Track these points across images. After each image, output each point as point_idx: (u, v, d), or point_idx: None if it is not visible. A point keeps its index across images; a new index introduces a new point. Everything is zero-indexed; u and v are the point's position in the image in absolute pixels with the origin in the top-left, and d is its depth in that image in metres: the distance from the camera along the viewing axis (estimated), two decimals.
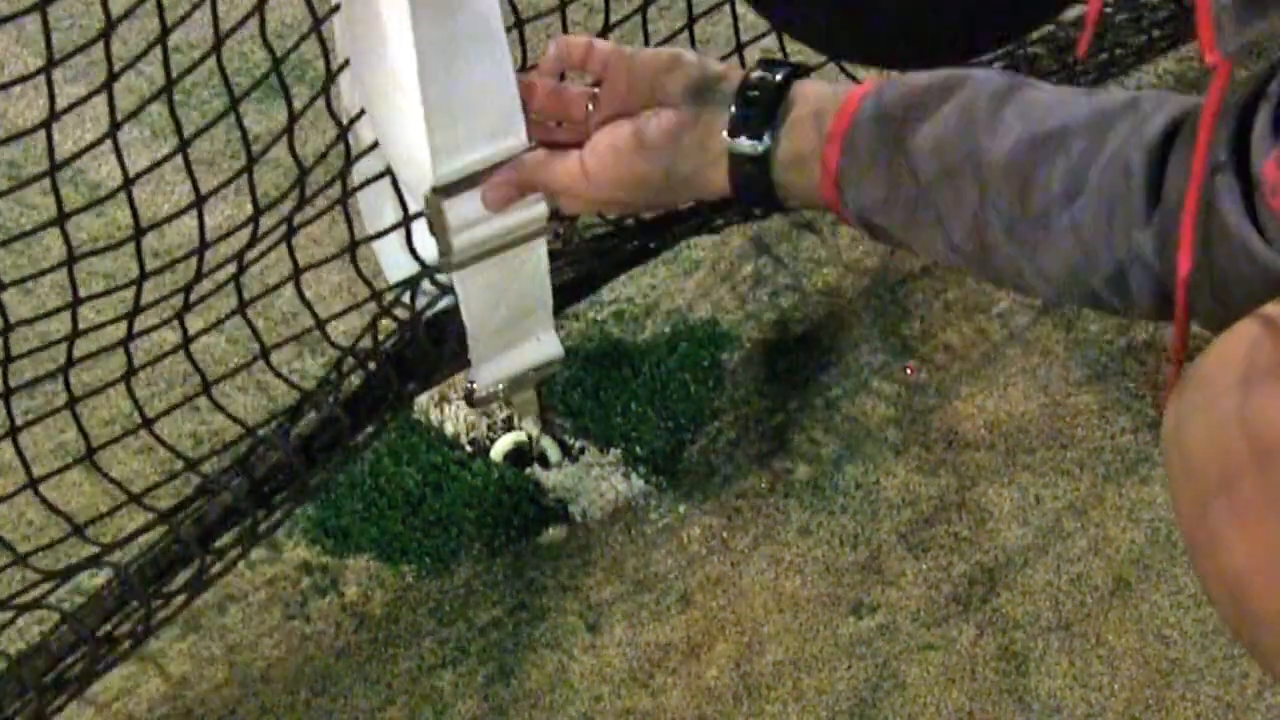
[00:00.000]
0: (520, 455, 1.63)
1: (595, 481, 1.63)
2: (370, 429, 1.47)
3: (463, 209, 1.13)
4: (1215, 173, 0.75)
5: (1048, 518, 1.57)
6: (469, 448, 1.64)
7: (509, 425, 1.64)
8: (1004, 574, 1.54)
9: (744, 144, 0.97)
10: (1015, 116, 0.87)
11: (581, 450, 1.65)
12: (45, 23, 1.01)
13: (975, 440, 1.63)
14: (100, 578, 1.46)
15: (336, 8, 1.21)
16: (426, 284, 1.40)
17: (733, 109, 0.98)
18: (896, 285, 1.76)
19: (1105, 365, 1.67)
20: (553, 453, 1.64)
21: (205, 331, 1.34)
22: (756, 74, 0.99)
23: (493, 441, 1.63)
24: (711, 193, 1.01)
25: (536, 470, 1.63)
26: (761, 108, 0.97)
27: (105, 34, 1.03)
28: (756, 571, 1.55)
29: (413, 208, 1.28)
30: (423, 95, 1.08)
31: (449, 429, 1.65)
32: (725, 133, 0.98)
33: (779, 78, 0.98)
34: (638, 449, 1.64)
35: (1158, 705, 1.45)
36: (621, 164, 1.02)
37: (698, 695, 1.48)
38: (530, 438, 1.63)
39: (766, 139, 0.97)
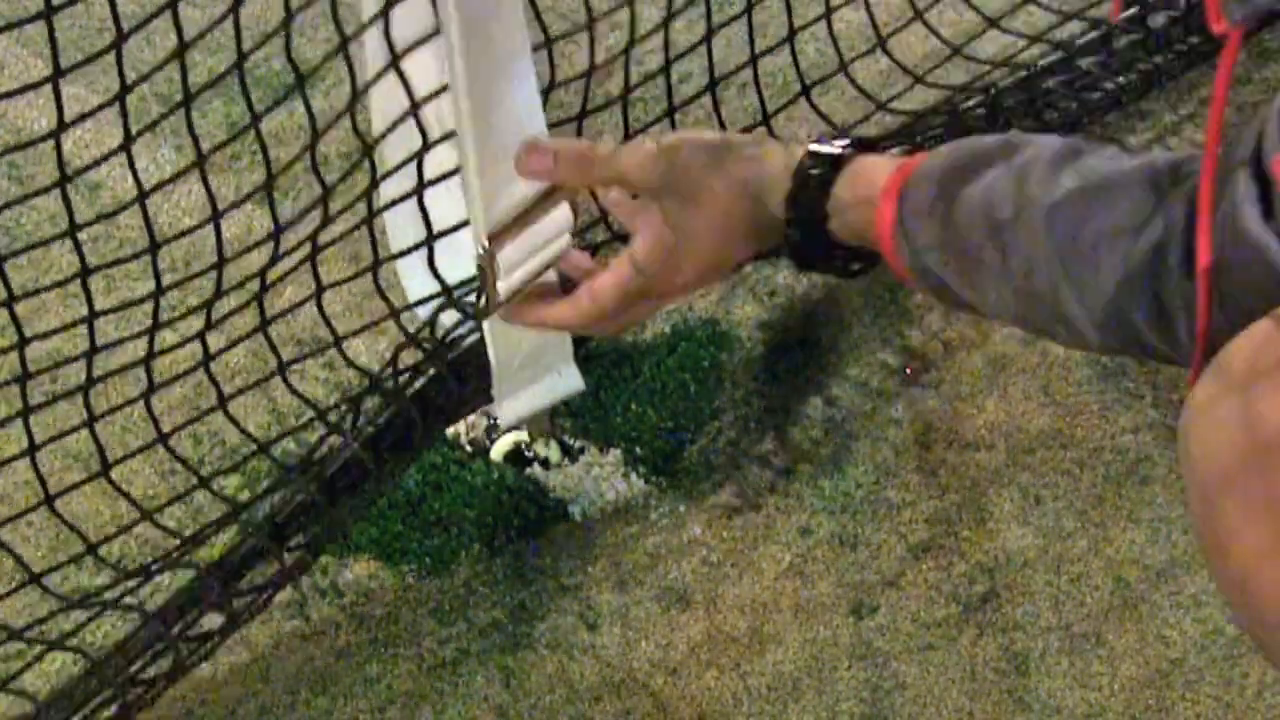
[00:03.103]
0: (520, 455, 1.63)
1: (595, 481, 1.63)
2: (396, 468, 1.47)
3: (506, 256, 1.11)
4: (1236, 170, 0.75)
5: (1048, 518, 1.57)
6: (469, 448, 1.64)
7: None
8: (1004, 574, 1.54)
9: (824, 146, 0.97)
10: (1071, 173, 0.88)
11: (581, 450, 1.65)
12: (51, 32, 1.00)
13: (976, 440, 1.63)
14: (128, 619, 1.45)
15: (366, 26, 1.20)
16: (444, 317, 1.39)
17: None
18: (897, 285, 1.76)
19: (1105, 365, 1.67)
20: (553, 453, 1.64)
21: (225, 350, 1.32)
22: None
23: (493, 441, 1.64)
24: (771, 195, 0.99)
25: (536, 470, 1.63)
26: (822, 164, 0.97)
27: (116, 45, 1.03)
28: (757, 571, 1.55)
29: (438, 225, 1.27)
30: (472, 130, 1.05)
31: (449, 429, 1.64)
32: (807, 145, 0.97)
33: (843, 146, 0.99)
34: (638, 449, 1.63)
35: (1158, 705, 1.45)
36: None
37: (698, 695, 1.48)
38: (531, 438, 1.63)
39: (846, 149, 0.97)
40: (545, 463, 1.63)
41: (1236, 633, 1.47)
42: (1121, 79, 1.78)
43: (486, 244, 1.06)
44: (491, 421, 1.64)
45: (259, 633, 1.53)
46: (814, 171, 0.97)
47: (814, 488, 1.61)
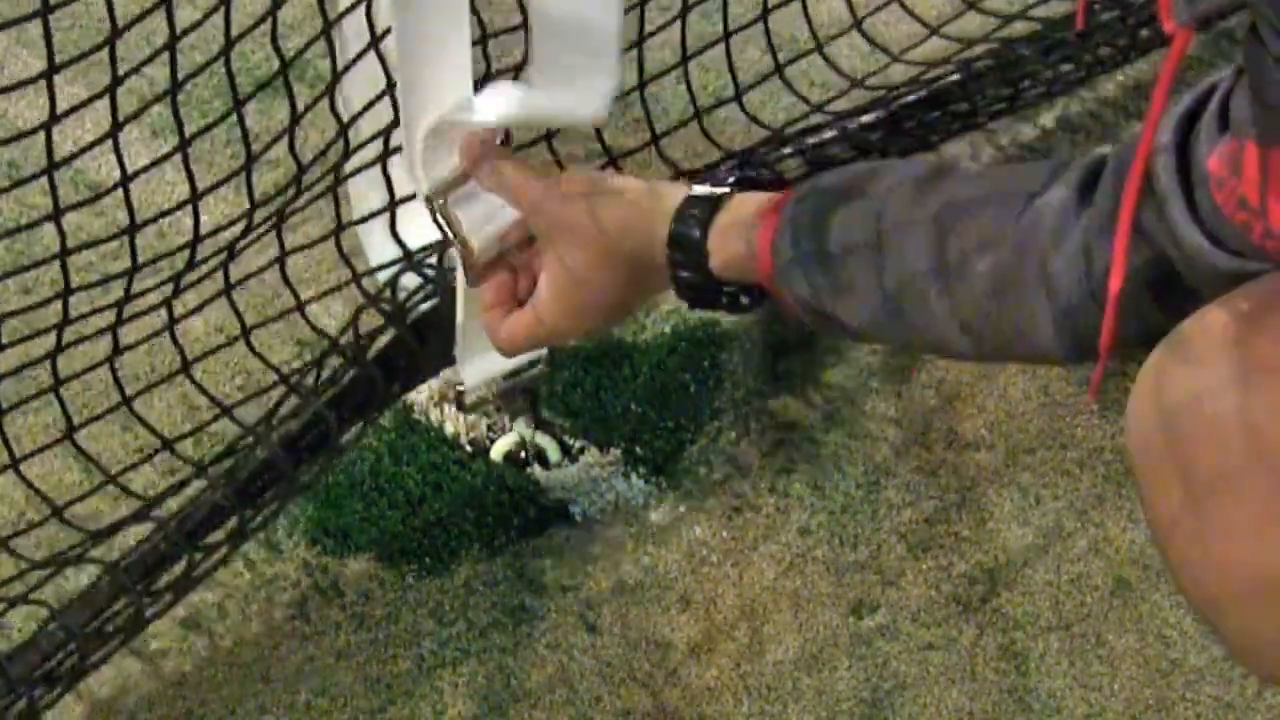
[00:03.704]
0: (520, 455, 1.63)
1: (595, 481, 1.63)
2: (357, 427, 1.48)
3: (463, 209, 1.12)
4: (1157, 154, 0.76)
5: (1048, 518, 1.57)
6: (469, 448, 1.64)
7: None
8: (1004, 574, 1.54)
9: (703, 189, 0.99)
10: (937, 192, 0.90)
11: (581, 450, 1.65)
12: (46, 27, 1.01)
13: (975, 440, 1.63)
14: (88, 573, 1.47)
15: (347, 12, 1.21)
16: (406, 280, 1.40)
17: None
18: None
19: (1106, 365, 1.67)
20: (553, 453, 1.64)
21: (190, 314, 1.35)
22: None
23: (493, 441, 1.64)
24: (652, 245, 1.01)
25: (536, 470, 1.63)
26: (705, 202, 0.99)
27: (111, 40, 1.04)
28: (757, 571, 1.55)
29: (406, 190, 1.29)
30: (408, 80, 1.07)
31: (449, 429, 1.65)
32: (688, 189, 0.99)
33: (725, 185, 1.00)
34: (638, 449, 1.64)
35: (1158, 705, 1.45)
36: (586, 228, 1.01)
37: (698, 695, 1.48)
38: (530, 437, 1.63)
39: (725, 189, 0.98)
40: (545, 462, 1.63)
41: None
42: (1099, 52, 1.79)
43: (426, 188, 1.08)
44: (492, 421, 1.64)
45: (259, 633, 1.54)
46: (694, 213, 0.99)
47: (813, 488, 1.61)
